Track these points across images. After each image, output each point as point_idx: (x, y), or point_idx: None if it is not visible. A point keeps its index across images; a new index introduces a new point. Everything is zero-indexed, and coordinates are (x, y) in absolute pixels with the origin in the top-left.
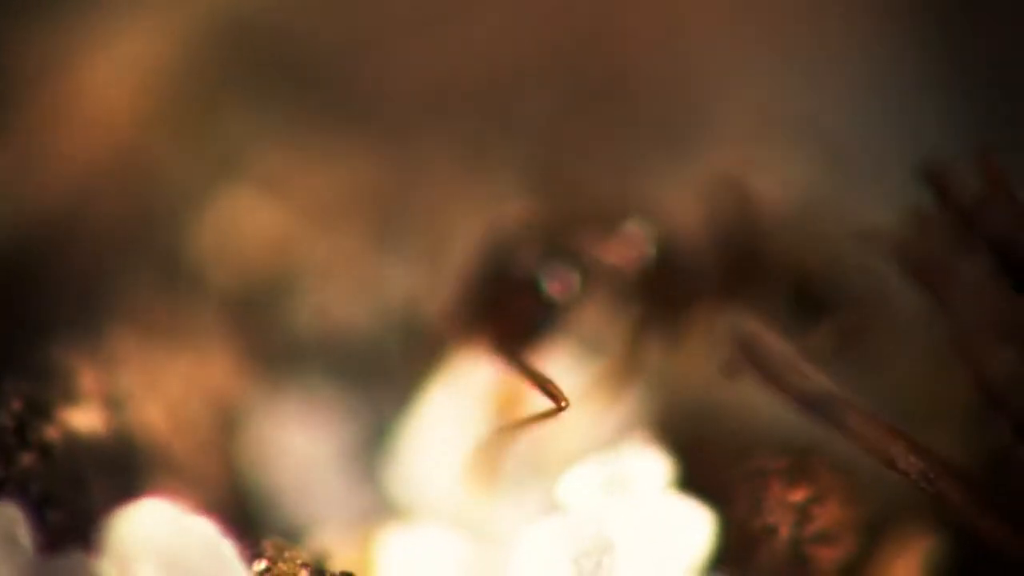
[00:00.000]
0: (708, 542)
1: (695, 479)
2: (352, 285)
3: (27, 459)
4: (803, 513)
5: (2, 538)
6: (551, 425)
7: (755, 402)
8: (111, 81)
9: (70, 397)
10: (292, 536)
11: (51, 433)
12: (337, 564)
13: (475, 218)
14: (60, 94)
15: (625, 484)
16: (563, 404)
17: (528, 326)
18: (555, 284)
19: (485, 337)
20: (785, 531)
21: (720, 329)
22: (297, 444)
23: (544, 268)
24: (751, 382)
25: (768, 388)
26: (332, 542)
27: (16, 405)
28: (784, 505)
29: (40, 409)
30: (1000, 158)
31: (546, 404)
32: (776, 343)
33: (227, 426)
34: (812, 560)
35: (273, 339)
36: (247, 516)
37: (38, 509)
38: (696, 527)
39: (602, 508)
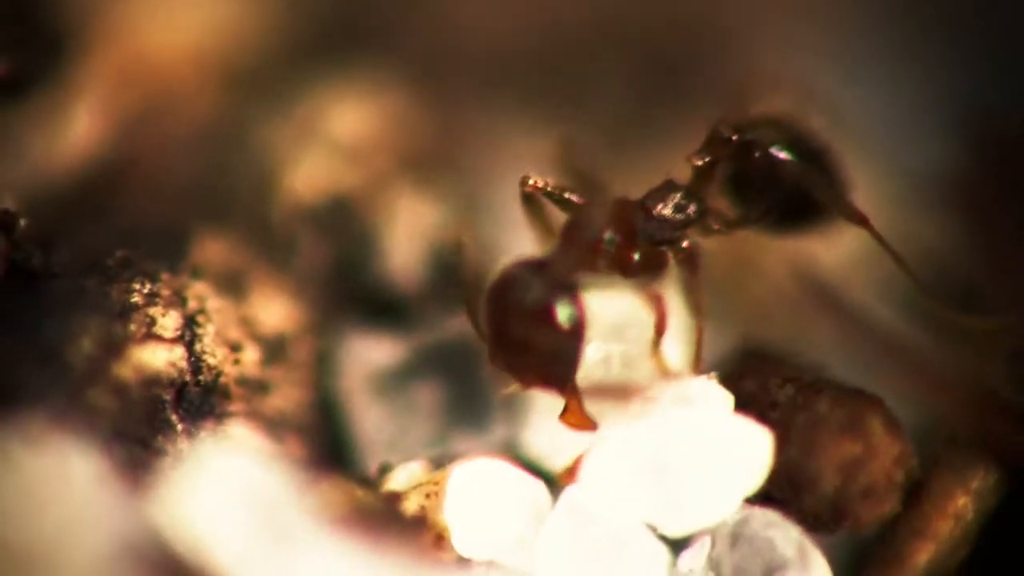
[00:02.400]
0: (766, 462)
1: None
2: (417, 235)
3: (102, 397)
4: (852, 467)
5: (68, 473)
6: None
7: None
8: (173, 37)
9: (149, 335)
10: (364, 470)
11: (125, 370)
12: (407, 500)
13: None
14: (127, 50)
15: (688, 402)
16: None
17: (558, 356)
18: (569, 310)
19: (526, 375)
20: (831, 483)
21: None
22: (371, 379)
23: (556, 295)
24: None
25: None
26: (403, 476)
27: (89, 341)
28: (835, 456)
29: (116, 345)
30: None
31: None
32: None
33: (303, 361)
34: (853, 514)
35: (357, 279)
36: (320, 451)
37: (112, 445)
38: (756, 447)
39: (665, 423)
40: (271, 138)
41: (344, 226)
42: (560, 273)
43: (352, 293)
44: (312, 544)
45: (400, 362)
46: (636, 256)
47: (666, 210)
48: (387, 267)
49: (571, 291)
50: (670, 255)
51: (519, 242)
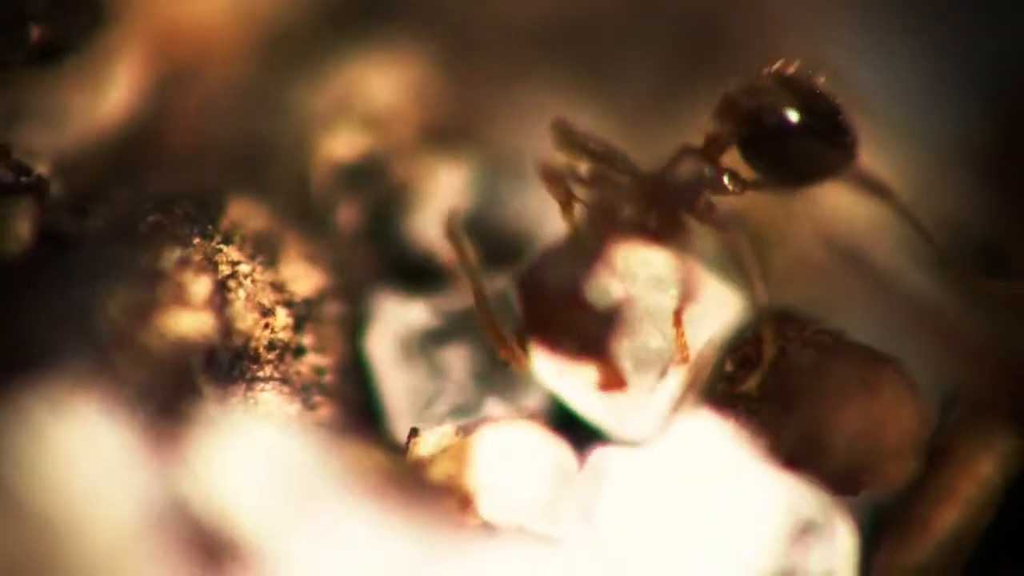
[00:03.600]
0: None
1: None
2: (447, 203)
3: (131, 360)
4: (873, 429)
5: (93, 438)
6: None
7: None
8: (208, 8)
9: (179, 300)
10: (393, 434)
11: (153, 336)
12: (434, 463)
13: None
14: (171, 19)
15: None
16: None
17: (593, 333)
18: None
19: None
20: (852, 445)
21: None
22: (402, 345)
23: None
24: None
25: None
26: (430, 440)
27: (116, 306)
28: (855, 419)
29: (144, 311)
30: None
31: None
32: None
33: (333, 331)
34: (875, 476)
35: (377, 249)
36: (351, 415)
37: (138, 408)
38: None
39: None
40: (305, 104)
41: (377, 192)
42: (590, 250)
43: (384, 258)
44: (341, 509)
45: (430, 327)
46: (656, 224)
47: (681, 174)
48: (419, 233)
49: (601, 267)
50: (689, 220)
51: (548, 213)
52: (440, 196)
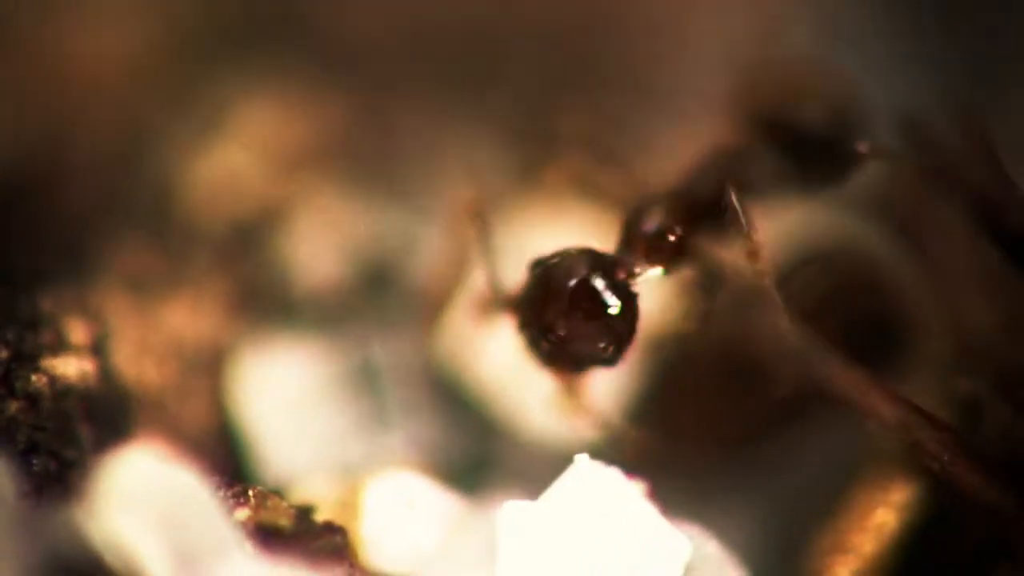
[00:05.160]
0: (681, 570)
1: None
2: (335, 233)
3: (14, 407)
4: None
5: None
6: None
7: None
8: (99, 42)
9: (59, 346)
10: (277, 483)
11: (39, 381)
12: (322, 513)
13: (452, 167)
14: (49, 53)
15: (613, 497)
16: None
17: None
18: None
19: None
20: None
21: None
22: (284, 390)
23: (591, 278)
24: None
25: (754, 339)
26: (317, 489)
27: (3, 354)
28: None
29: (28, 358)
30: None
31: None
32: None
33: (215, 372)
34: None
35: (260, 286)
36: (233, 463)
37: (24, 458)
38: (674, 553)
39: (589, 506)
40: (179, 138)
41: (250, 231)
42: (621, 267)
43: (264, 300)
44: (226, 556)
45: (313, 372)
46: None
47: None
48: (299, 269)
49: (625, 285)
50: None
51: (430, 229)
52: (319, 218)
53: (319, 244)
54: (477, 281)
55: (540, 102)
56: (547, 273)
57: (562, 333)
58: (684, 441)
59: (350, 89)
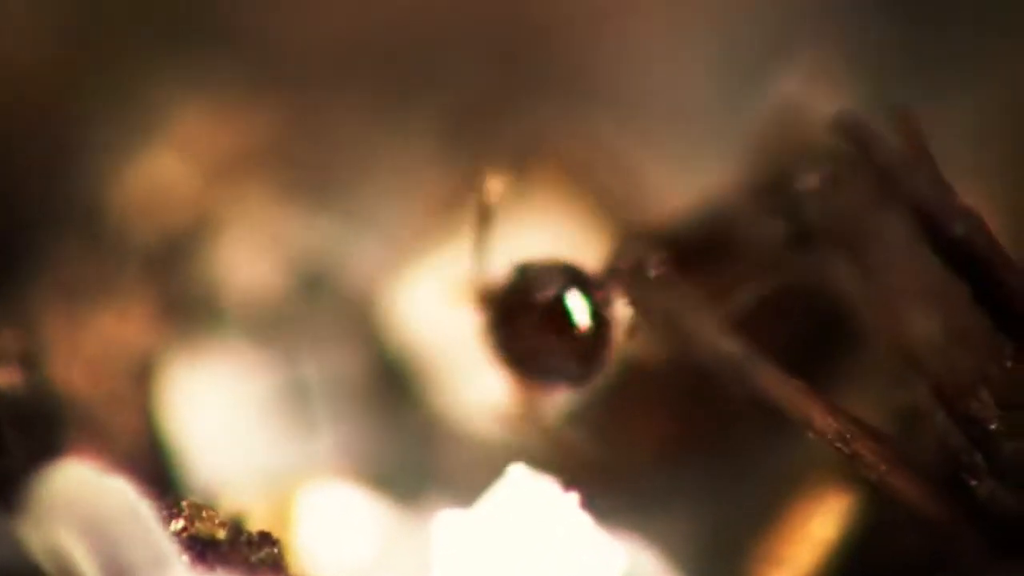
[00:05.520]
0: None
1: None
2: (267, 242)
3: None
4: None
5: None
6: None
7: None
8: (21, 42)
9: None
10: (210, 494)
11: None
12: (255, 523)
13: (387, 176)
14: None
15: (548, 506)
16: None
17: (558, 359)
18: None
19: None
20: None
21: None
22: (215, 400)
23: (566, 289)
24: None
25: (682, 350)
26: (250, 500)
27: None
28: None
29: None
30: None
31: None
32: (693, 307)
33: (145, 382)
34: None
35: (190, 296)
36: (165, 474)
37: None
38: (609, 564)
39: (523, 516)
40: (109, 145)
41: (181, 239)
42: (600, 291)
43: (195, 309)
44: (163, 568)
45: (243, 383)
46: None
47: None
48: (231, 278)
49: (600, 309)
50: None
51: (364, 238)
52: (251, 226)
53: (252, 253)
54: (461, 269)
55: (475, 111)
56: (527, 279)
57: (529, 341)
58: (625, 452)
59: (284, 96)
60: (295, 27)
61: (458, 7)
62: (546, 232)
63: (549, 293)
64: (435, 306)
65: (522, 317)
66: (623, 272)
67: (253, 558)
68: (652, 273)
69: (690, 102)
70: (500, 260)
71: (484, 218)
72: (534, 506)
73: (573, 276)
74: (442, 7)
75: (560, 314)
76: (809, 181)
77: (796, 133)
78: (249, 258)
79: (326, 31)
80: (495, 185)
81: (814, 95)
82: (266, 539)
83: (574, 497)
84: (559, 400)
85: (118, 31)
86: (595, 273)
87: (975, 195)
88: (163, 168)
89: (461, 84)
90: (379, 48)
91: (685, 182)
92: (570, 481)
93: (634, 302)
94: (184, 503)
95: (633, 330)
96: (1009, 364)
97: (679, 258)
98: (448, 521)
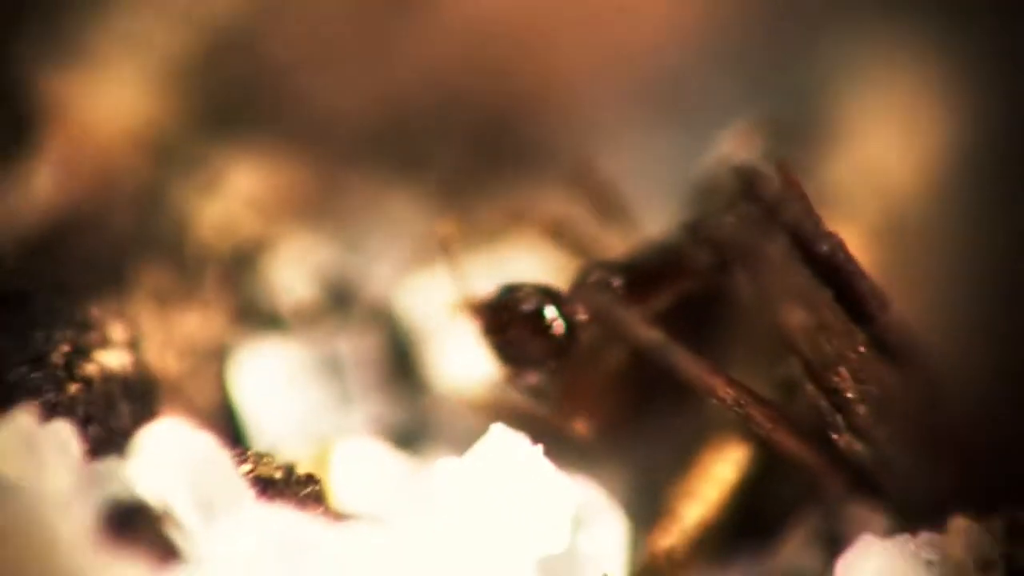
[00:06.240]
0: (574, 511)
1: None
2: (306, 262)
3: (73, 389)
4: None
5: (58, 448)
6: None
7: None
8: (111, 118)
9: (104, 343)
10: (269, 446)
11: (90, 369)
12: (302, 468)
13: (392, 219)
14: (94, 129)
15: (520, 457)
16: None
17: (534, 354)
18: (554, 317)
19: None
20: None
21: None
22: (271, 377)
23: (544, 304)
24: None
25: (620, 339)
26: (298, 451)
27: (65, 348)
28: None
29: (83, 351)
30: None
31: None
32: (622, 306)
33: (220, 363)
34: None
35: (252, 299)
36: (236, 431)
37: (82, 427)
38: (568, 500)
39: (502, 463)
40: (191, 189)
41: (243, 260)
42: (568, 305)
43: (256, 311)
44: (236, 501)
45: (293, 364)
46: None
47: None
48: (281, 289)
49: (569, 318)
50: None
51: (375, 261)
52: (294, 252)
53: (295, 271)
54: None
55: (463, 176)
56: (512, 295)
57: (513, 340)
58: (579, 416)
59: (317, 158)
60: (326, 110)
61: (446, 102)
62: (530, 263)
63: (531, 306)
64: (435, 309)
65: (511, 324)
66: (584, 292)
67: (301, 494)
68: (607, 291)
69: (642, 167)
70: (495, 282)
71: (446, 250)
72: (510, 456)
73: (548, 294)
74: (434, 102)
75: (537, 319)
76: (723, 220)
77: (720, 184)
78: (294, 273)
79: (347, 115)
80: (446, 228)
81: (738, 155)
82: (311, 480)
83: (539, 449)
84: (532, 379)
85: (196, 108)
86: (564, 292)
87: (837, 222)
88: (230, 207)
89: (446, 154)
90: (385, 127)
91: (636, 230)
92: (537, 438)
93: (591, 313)
94: (250, 452)
95: (590, 332)
96: (861, 349)
97: (630, 280)
98: (445, 468)
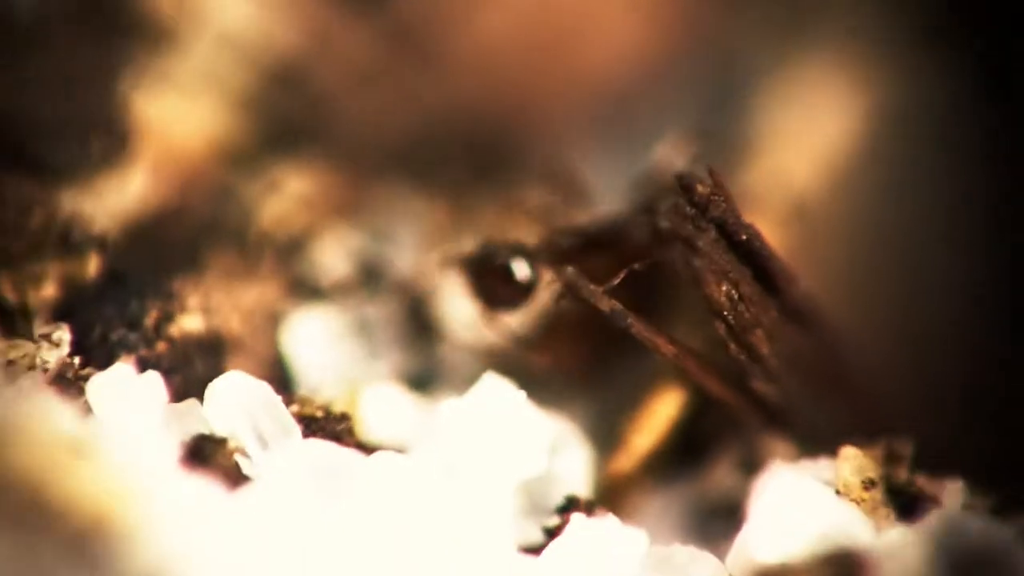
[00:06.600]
0: (548, 441)
1: None
2: (343, 247)
3: (161, 347)
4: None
5: (149, 393)
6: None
7: None
8: (192, 135)
9: (184, 310)
10: (312, 390)
11: (173, 331)
12: (338, 407)
13: (412, 216)
14: (165, 142)
15: (506, 398)
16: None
17: (506, 298)
18: (522, 271)
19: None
20: None
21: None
22: (316, 336)
23: (514, 259)
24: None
25: (588, 309)
26: (336, 394)
27: (154, 314)
28: None
29: (168, 317)
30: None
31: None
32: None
33: (275, 326)
34: None
35: (302, 275)
36: (287, 379)
37: (167, 377)
38: (543, 431)
39: (490, 403)
40: (250, 194)
41: (295, 245)
42: (536, 259)
43: (304, 284)
44: (287, 435)
45: (332, 326)
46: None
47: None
48: (324, 268)
49: (535, 268)
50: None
51: (398, 249)
52: (334, 240)
53: (335, 254)
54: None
55: (466, 179)
56: (488, 250)
57: (488, 287)
58: (557, 363)
59: (352, 167)
60: (360, 129)
61: (452, 122)
62: (507, 228)
63: (502, 259)
64: (441, 281)
65: (486, 273)
66: (551, 249)
67: (337, 428)
68: (568, 251)
69: (600, 167)
70: (475, 243)
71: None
72: (498, 396)
73: (519, 250)
74: (442, 122)
75: (509, 272)
76: (664, 208)
77: (661, 182)
78: (334, 256)
79: (377, 132)
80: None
81: (675, 160)
82: (345, 417)
83: (522, 393)
84: (510, 327)
85: (261, 130)
86: (532, 249)
87: (754, 216)
88: (285, 204)
89: (453, 162)
90: (406, 142)
91: (594, 209)
92: (521, 383)
93: (556, 270)
94: (297, 396)
95: (554, 287)
96: (774, 315)
97: (586, 244)
98: (449, 406)
